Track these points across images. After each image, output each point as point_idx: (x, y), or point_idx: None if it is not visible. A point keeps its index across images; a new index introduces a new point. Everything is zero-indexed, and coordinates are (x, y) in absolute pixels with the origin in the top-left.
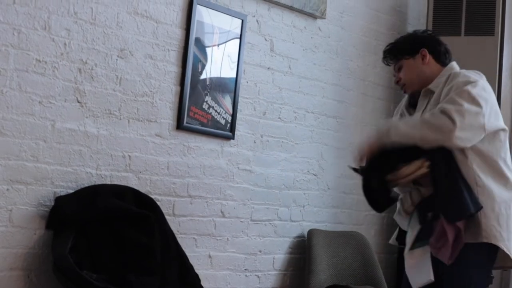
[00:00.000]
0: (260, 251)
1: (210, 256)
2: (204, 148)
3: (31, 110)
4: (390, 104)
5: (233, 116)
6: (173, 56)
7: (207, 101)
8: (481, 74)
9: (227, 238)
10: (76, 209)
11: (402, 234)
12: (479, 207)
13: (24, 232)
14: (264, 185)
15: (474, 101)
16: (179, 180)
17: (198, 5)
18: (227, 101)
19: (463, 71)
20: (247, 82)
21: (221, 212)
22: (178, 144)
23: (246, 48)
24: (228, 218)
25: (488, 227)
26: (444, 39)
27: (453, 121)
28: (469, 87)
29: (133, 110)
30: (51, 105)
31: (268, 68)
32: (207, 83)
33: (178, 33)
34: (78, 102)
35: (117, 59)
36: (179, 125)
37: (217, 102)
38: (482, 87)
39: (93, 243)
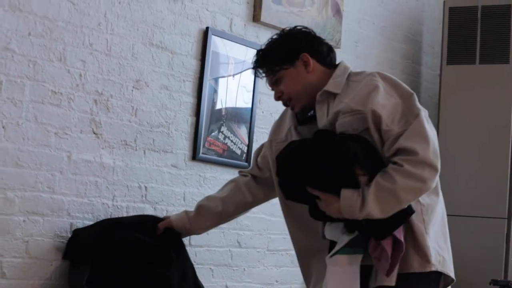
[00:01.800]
0: (277, 281)
1: (227, 287)
2: (220, 178)
3: (47, 141)
4: None
5: (249, 146)
6: (189, 86)
7: (223, 131)
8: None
9: (244, 268)
10: (94, 242)
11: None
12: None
13: (41, 263)
14: (280, 215)
15: (427, 138)
16: None
17: (213, 36)
18: (243, 131)
19: (366, 72)
20: (263, 112)
21: (238, 242)
22: (194, 174)
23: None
24: (245, 248)
25: (432, 250)
26: (459, 68)
27: (425, 180)
28: (418, 121)
29: (149, 141)
30: (67, 136)
31: None
32: (223, 113)
33: (194, 63)
34: (94, 133)
35: (132, 90)
36: (195, 156)
37: (233, 132)
38: (416, 101)
39: (111, 274)
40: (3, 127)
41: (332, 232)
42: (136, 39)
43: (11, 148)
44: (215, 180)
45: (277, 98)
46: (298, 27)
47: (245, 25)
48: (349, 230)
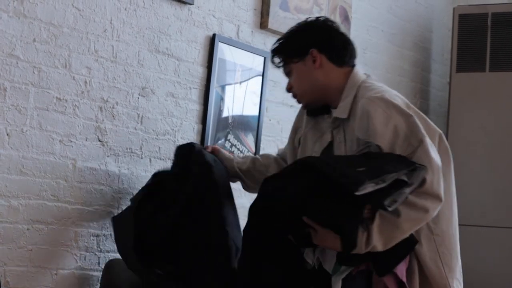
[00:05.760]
0: None
1: None
2: None
3: (51, 149)
4: None
5: (256, 154)
6: (195, 94)
7: (229, 139)
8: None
9: None
10: None
11: None
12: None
13: (45, 272)
14: None
15: (432, 167)
16: None
17: (219, 43)
18: (250, 140)
19: (375, 95)
20: (270, 120)
21: None
22: None
23: (269, 85)
24: None
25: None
26: (469, 75)
27: (427, 210)
28: (422, 148)
29: (154, 149)
30: (71, 144)
31: (291, 106)
32: (229, 121)
33: (200, 71)
34: (99, 140)
35: (138, 97)
36: None
37: (239, 140)
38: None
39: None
40: (7, 134)
41: (330, 262)
42: (142, 46)
43: (15, 155)
44: None
45: (288, 90)
46: (320, 19)
47: (252, 32)
48: (340, 262)
